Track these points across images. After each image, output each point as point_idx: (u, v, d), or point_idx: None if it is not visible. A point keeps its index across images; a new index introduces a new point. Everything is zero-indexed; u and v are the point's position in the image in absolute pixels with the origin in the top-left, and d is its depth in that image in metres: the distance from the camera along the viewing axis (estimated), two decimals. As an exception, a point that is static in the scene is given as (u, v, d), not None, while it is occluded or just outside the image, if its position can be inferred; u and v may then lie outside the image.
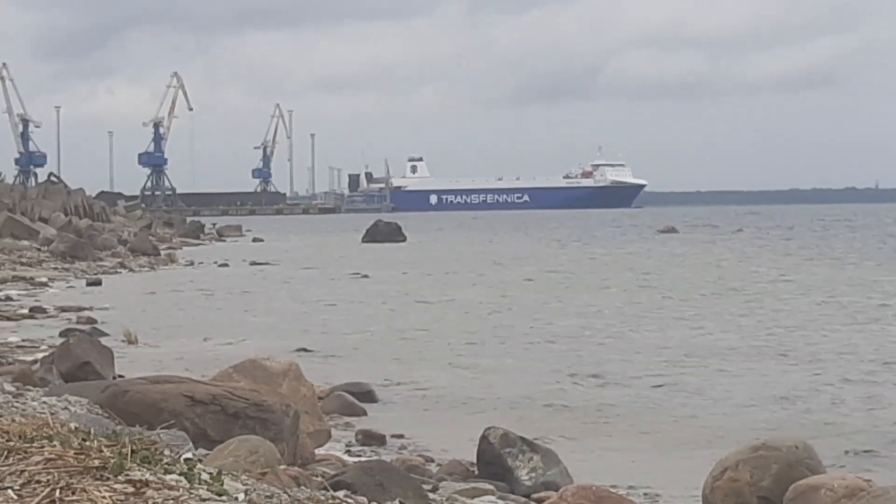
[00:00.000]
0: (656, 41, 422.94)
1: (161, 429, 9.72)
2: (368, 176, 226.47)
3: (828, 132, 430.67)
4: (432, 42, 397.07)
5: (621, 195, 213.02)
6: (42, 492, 5.71)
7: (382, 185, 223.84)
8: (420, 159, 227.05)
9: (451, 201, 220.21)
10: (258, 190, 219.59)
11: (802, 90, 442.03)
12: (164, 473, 6.11)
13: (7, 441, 6.40)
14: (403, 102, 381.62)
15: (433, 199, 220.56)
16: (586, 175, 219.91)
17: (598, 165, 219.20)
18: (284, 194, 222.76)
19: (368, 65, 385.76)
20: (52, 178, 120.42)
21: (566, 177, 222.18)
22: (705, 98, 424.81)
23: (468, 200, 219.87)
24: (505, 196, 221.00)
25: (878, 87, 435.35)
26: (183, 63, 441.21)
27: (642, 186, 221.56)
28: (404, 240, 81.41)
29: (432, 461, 13.88)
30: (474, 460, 12.87)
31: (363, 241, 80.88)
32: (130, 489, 5.82)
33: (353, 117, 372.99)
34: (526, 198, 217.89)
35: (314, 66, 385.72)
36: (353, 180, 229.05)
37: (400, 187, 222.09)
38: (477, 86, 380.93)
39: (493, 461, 12.53)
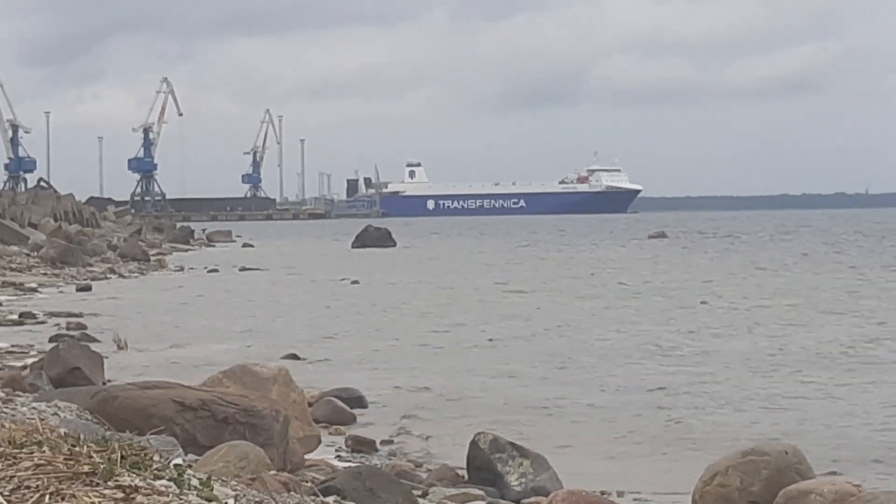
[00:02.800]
0: (642, 47, 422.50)
1: (151, 434, 9.70)
2: (367, 181, 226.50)
3: (818, 138, 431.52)
4: (419, 48, 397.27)
5: (617, 200, 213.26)
6: (31, 497, 5.71)
7: (381, 190, 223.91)
8: (418, 164, 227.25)
9: (449, 206, 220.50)
10: (248, 195, 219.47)
11: (791, 96, 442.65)
12: (154, 479, 6.11)
13: (-4, 447, 6.39)
14: (392, 107, 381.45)
15: (430, 204, 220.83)
16: (582, 180, 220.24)
17: (593, 170, 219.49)
18: (274, 200, 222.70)
19: (356, 70, 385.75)
20: (42, 184, 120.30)
21: (562, 182, 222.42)
22: (697, 103, 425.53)
23: (465, 206, 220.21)
24: (502, 201, 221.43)
25: (866, 92, 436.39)
26: (169, 69, 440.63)
27: (638, 192, 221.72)
28: (394, 245, 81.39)
29: (422, 466, 13.89)
30: (464, 465, 12.87)
31: (353, 247, 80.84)
32: (120, 495, 5.81)
33: (341, 123, 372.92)
34: (522, 203, 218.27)
35: (301, 72, 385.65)
36: (352, 185, 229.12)
37: (398, 192, 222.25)
38: (465, 91, 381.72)
39: (483, 466, 12.53)
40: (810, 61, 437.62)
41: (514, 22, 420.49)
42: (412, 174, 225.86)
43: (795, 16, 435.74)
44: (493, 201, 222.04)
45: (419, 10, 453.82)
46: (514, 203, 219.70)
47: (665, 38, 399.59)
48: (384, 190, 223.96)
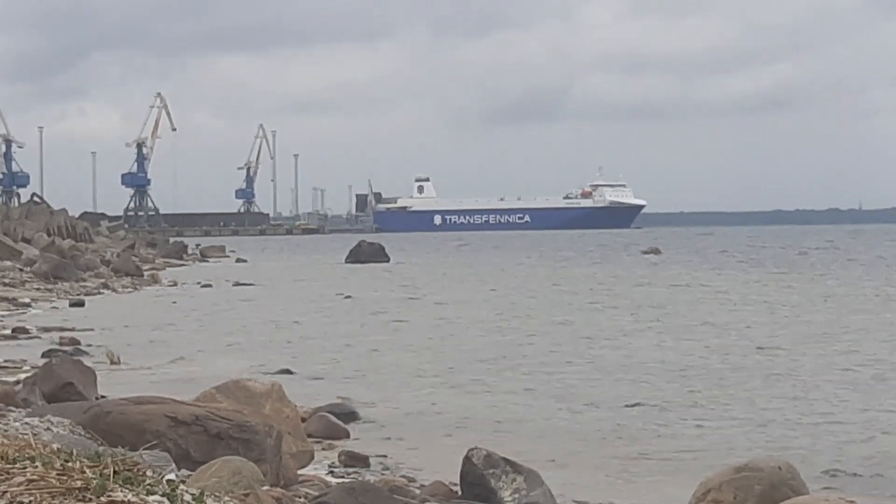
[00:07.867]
0: (621, 63, 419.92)
1: (144, 450, 9.69)
2: (377, 196, 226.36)
3: (808, 154, 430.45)
4: (404, 63, 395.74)
5: (620, 215, 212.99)
6: (24, 513, 5.70)
7: (388, 204, 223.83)
8: (427, 179, 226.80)
9: (455, 222, 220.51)
10: (241, 210, 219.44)
11: (777, 113, 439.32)
12: (147, 494, 6.10)
13: (-11, 462, 6.37)
14: (380, 123, 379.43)
15: (437, 219, 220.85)
16: (585, 195, 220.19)
17: (597, 186, 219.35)
18: (268, 215, 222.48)
19: (342, 86, 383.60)
20: (35, 199, 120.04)
21: (566, 197, 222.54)
22: (685, 120, 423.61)
23: (471, 221, 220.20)
24: (507, 217, 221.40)
25: (853, 109, 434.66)
26: (155, 85, 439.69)
27: (641, 207, 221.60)
28: (388, 260, 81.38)
29: (415, 482, 13.87)
30: (457, 481, 12.85)
31: (346, 262, 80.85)
32: (113, 510, 5.80)
33: (331, 138, 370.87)
34: (527, 218, 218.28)
35: (288, 88, 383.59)
36: (361, 200, 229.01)
37: (405, 207, 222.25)
38: (452, 107, 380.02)
39: (476, 482, 12.51)
40: (790, 79, 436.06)
41: (494, 39, 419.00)
42: (420, 189, 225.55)
43: (771, 33, 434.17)
44: (498, 216, 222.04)
45: (400, 28, 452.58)
46: (520, 218, 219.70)
47: (644, 55, 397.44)
48: (393, 205, 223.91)
